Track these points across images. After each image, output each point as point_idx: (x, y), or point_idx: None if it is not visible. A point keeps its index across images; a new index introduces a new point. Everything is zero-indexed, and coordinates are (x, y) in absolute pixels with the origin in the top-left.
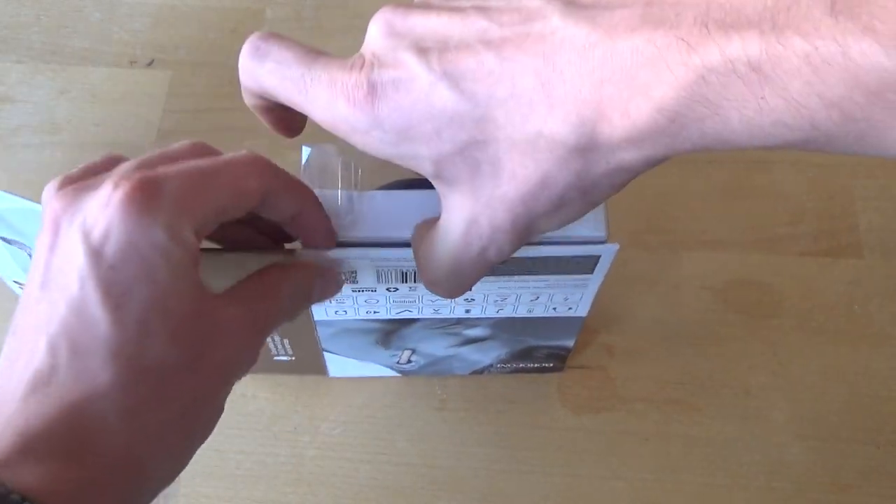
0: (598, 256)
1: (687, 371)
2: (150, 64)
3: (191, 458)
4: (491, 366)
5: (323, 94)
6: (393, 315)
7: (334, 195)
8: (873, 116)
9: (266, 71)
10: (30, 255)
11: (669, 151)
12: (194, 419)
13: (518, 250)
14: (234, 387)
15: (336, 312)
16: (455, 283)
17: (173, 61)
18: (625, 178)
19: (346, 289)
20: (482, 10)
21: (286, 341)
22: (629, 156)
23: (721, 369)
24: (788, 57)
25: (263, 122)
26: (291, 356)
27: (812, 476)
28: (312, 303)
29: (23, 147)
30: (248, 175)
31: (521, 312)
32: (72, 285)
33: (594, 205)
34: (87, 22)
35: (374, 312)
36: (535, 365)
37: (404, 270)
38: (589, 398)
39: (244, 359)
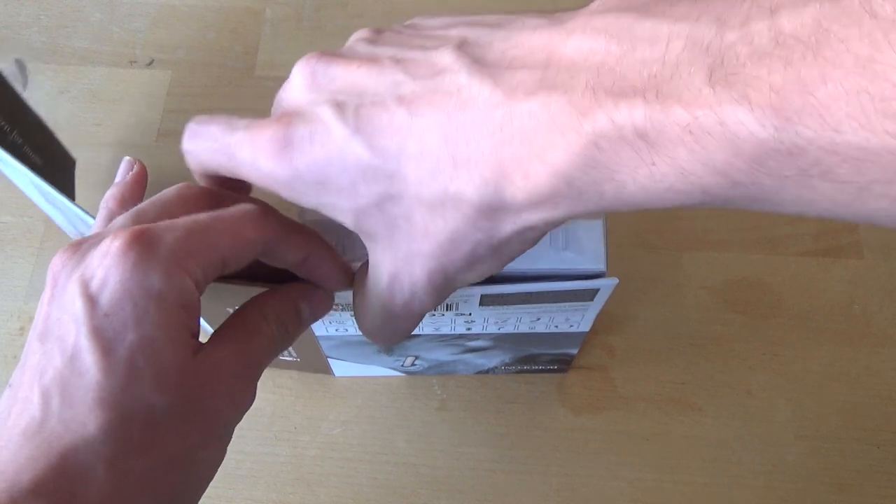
0: (598, 289)
1: (687, 371)
2: (150, 64)
3: None
4: (495, 368)
5: (247, 154)
6: None
7: (331, 225)
8: (760, 181)
9: (201, 150)
10: (65, 216)
11: (571, 213)
12: (188, 466)
13: (510, 286)
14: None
15: (336, 330)
16: (389, 332)
17: (173, 61)
18: (535, 235)
19: (346, 314)
20: (398, 62)
21: (290, 347)
22: (534, 217)
23: (721, 369)
24: (671, 125)
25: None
26: (296, 358)
27: (812, 476)
28: (306, 325)
29: None
30: (247, 227)
31: (523, 330)
32: (67, 334)
33: (509, 259)
34: (87, 22)
35: None
36: (540, 367)
37: None
38: (589, 398)
39: (238, 402)
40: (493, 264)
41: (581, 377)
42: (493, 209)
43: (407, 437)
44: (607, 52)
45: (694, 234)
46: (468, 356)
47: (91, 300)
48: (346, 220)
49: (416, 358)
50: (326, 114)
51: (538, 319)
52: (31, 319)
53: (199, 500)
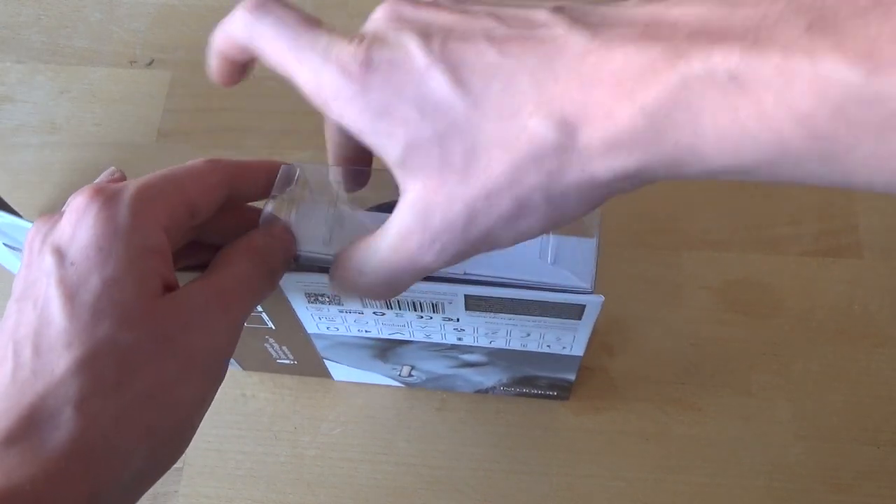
0: (584, 306)
1: (687, 371)
2: (149, 64)
3: (176, 449)
4: (494, 388)
5: (316, 58)
6: (385, 335)
7: (322, 213)
8: (837, 134)
9: (265, 25)
10: None
11: (642, 164)
12: (165, 404)
13: (493, 289)
14: (235, 388)
15: (328, 328)
16: (384, 287)
17: (173, 61)
18: (593, 197)
19: (334, 309)
20: (493, 14)
21: (285, 348)
22: (602, 167)
23: (721, 369)
24: (764, 67)
25: (212, 66)
26: (294, 360)
27: (812, 476)
28: (282, 249)
29: (23, 147)
30: (207, 173)
31: (515, 346)
32: (39, 291)
33: (555, 224)
34: (87, 22)
35: (366, 331)
36: (539, 392)
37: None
38: (589, 398)
39: (213, 334)
40: (540, 222)
41: (581, 377)
42: (565, 149)
43: (407, 438)
44: (710, 13)
45: (694, 234)
46: (465, 371)
47: (60, 254)
48: (394, 151)
49: (413, 368)
50: (411, 41)
51: (528, 335)
52: None
53: (185, 445)
